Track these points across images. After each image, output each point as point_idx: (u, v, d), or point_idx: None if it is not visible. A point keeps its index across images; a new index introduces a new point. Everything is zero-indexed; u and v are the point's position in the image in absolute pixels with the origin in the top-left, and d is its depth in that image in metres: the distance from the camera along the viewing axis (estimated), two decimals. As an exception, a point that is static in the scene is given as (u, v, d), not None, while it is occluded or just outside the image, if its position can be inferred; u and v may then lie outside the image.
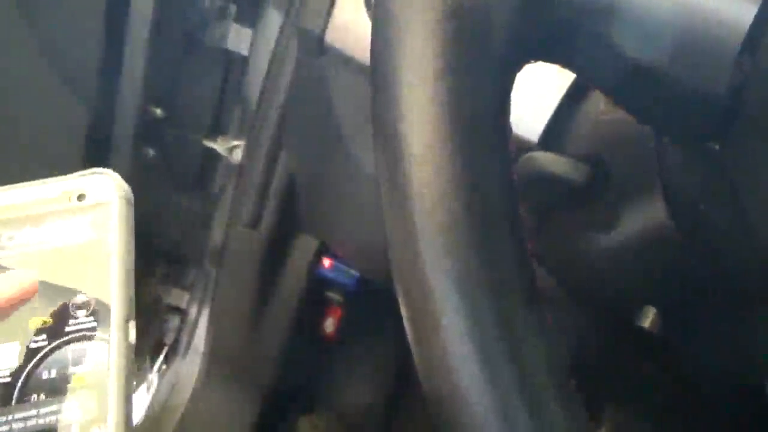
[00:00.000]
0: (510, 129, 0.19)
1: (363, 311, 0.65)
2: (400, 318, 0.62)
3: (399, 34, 0.18)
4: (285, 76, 0.50)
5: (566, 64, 0.21)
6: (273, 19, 0.56)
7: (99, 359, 0.21)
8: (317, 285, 0.60)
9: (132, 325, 0.21)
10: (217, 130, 0.60)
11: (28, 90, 0.54)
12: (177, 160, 0.58)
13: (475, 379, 0.17)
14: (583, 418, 0.18)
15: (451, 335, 0.17)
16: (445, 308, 0.17)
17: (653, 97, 0.19)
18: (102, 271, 0.22)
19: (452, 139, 0.18)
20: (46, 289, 0.21)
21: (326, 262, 0.59)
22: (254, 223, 0.56)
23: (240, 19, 0.58)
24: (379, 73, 0.20)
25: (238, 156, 0.60)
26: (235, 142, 0.60)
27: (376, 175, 0.20)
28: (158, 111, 0.56)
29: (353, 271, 0.60)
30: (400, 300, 0.19)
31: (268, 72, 0.52)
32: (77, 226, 0.22)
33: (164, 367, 0.69)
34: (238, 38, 0.57)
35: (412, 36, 0.18)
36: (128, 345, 0.21)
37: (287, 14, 0.51)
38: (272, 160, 0.54)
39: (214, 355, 0.63)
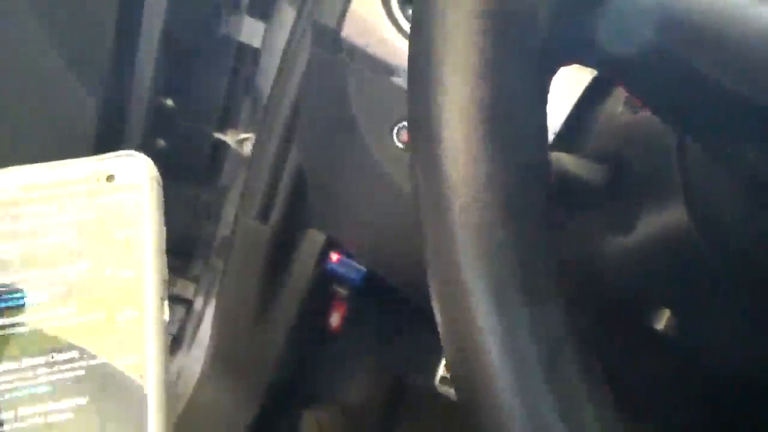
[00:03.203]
0: (547, 130, 0.19)
1: (368, 306, 0.65)
2: (405, 314, 0.61)
3: (440, 33, 0.18)
4: (297, 69, 0.50)
5: (604, 69, 0.20)
6: (286, 13, 0.56)
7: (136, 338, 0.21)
8: (324, 279, 0.60)
9: (166, 304, 0.22)
10: (227, 122, 0.60)
11: (40, 80, 0.54)
12: (187, 152, 0.58)
13: (509, 383, 0.17)
14: (615, 422, 0.18)
15: (486, 336, 0.17)
16: (480, 309, 0.17)
17: (695, 104, 0.19)
18: (134, 252, 0.22)
19: (491, 138, 0.18)
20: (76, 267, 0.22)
21: (334, 256, 0.59)
22: (263, 217, 0.56)
23: (253, 11, 0.58)
24: (417, 71, 0.20)
25: (247, 149, 0.60)
26: (245, 135, 0.60)
27: (410, 173, 0.20)
28: (169, 102, 0.56)
29: (360, 266, 0.60)
30: (434, 299, 0.19)
31: (281, 65, 0.52)
32: (106, 207, 0.22)
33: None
34: (250, 31, 0.57)
35: (452, 34, 0.18)
36: (163, 323, 0.21)
37: (301, 8, 0.50)
38: (282, 153, 0.54)
39: (218, 347, 0.64)
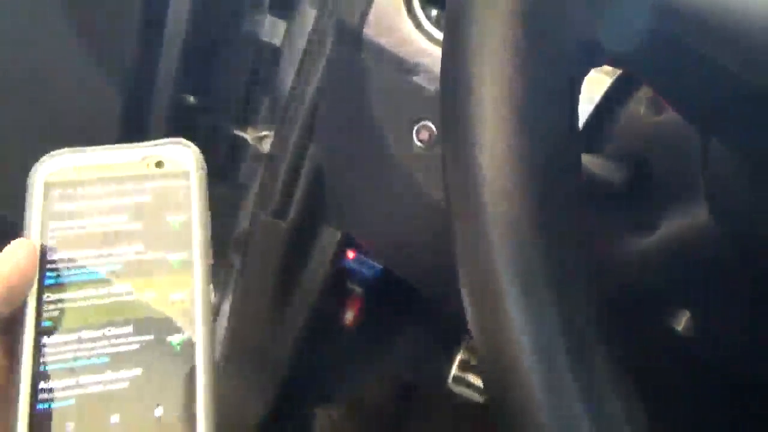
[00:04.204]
0: (578, 127, 0.19)
1: (383, 304, 0.65)
2: (419, 312, 0.61)
3: (474, 31, 0.18)
4: (318, 67, 0.50)
5: (635, 69, 0.21)
6: (307, 11, 0.56)
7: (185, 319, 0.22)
8: (339, 276, 0.60)
9: (212, 288, 0.22)
10: (247, 119, 0.61)
11: (65, 75, 0.55)
12: (207, 148, 0.59)
13: (537, 375, 0.17)
14: (641, 416, 0.18)
15: (515, 328, 0.17)
16: (509, 301, 0.17)
17: (713, 98, 0.19)
18: (183, 236, 0.23)
19: (523, 133, 0.18)
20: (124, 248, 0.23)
21: (350, 253, 0.59)
22: (280, 213, 0.56)
23: (274, 10, 0.58)
24: (451, 67, 0.20)
25: (266, 146, 0.60)
26: (265, 132, 0.61)
27: (441, 166, 0.20)
28: (191, 99, 0.57)
29: (376, 264, 0.60)
30: (463, 289, 0.19)
31: (301, 63, 0.52)
32: (156, 191, 0.23)
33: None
34: (271, 29, 0.58)
35: (486, 33, 0.18)
36: (210, 303, 0.22)
37: (322, 6, 0.51)
38: (301, 151, 0.54)
39: (234, 342, 0.64)
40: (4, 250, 0.22)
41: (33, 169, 0.23)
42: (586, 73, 0.20)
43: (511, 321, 0.17)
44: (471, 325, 0.19)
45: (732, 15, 0.17)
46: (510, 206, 0.17)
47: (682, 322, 0.27)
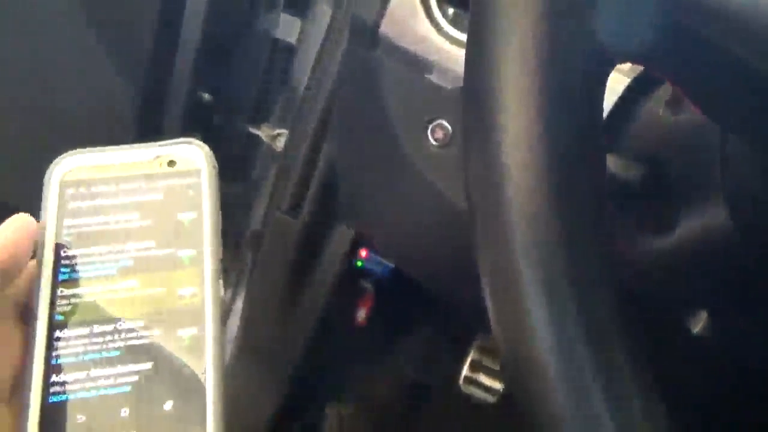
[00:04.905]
0: (602, 124, 0.19)
1: (394, 303, 0.65)
2: (431, 312, 0.61)
3: (500, 25, 0.18)
4: (333, 66, 0.50)
5: (656, 66, 0.21)
6: (322, 10, 0.57)
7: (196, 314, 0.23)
8: (351, 274, 0.60)
9: (221, 283, 0.23)
10: (261, 117, 0.61)
11: (83, 72, 0.56)
12: (221, 145, 0.59)
13: (559, 372, 0.17)
14: (662, 416, 0.18)
15: (537, 324, 0.17)
16: (531, 297, 0.17)
17: (745, 100, 0.19)
18: (193, 233, 0.23)
19: (548, 129, 0.18)
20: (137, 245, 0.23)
21: (362, 252, 0.59)
22: (294, 211, 0.57)
23: (289, 8, 0.58)
24: (476, 61, 0.20)
25: (280, 144, 0.60)
26: (279, 131, 0.61)
27: (463, 160, 0.20)
28: (206, 96, 0.57)
29: (388, 263, 0.60)
30: (484, 284, 0.19)
31: (316, 61, 0.52)
32: (168, 189, 0.24)
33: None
34: (286, 27, 0.58)
35: (512, 30, 0.18)
36: (220, 299, 0.23)
37: (338, 4, 0.51)
38: (315, 149, 0.54)
39: (245, 338, 0.64)
40: None
41: (49, 169, 0.24)
42: (610, 69, 0.20)
43: (534, 320, 0.17)
44: (492, 324, 0.19)
45: (753, 8, 0.17)
46: (534, 204, 0.17)
47: (699, 322, 0.27)
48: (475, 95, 0.19)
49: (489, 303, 0.19)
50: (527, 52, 0.18)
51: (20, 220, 0.22)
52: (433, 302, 0.59)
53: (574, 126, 0.18)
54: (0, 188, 0.56)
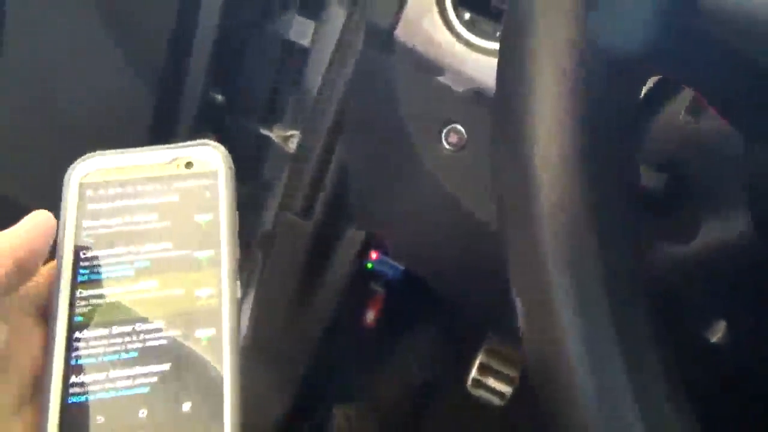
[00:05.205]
0: (637, 137, 0.19)
1: (404, 305, 0.65)
2: (440, 315, 0.61)
3: (533, 34, 0.18)
4: (347, 69, 0.50)
5: (680, 75, 0.20)
6: (335, 12, 0.57)
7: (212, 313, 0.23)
8: (361, 276, 0.60)
9: (238, 284, 0.23)
10: (273, 118, 0.61)
11: (97, 73, 0.56)
12: (233, 146, 0.59)
13: (592, 388, 0.17)
14: (694, 424, 0.18)
15: (571, 339, 0.17)
16: (565, 313, 0.17)
17: (752, 98, 0.19)
18: (211, 234, 0.23)
19: (581, 141, 0.18)
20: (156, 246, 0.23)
21: (372, 254, 0.60)
22: (305, 212, 0.57)
23: (303, 10, 0.58)
24: (507, 77, 0.20)
25: (292, 145, 0.60)
26: (291, 132, 0.61)
27: (492, 174, 0.20)
28: (219, 97, 0.57)
29: (398, 265, 0.60)
30: (517, 299, 0.19)
31: (330, 64, 0.52)
32: (185, 191, 0.24)
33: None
34: (300, 29, 0.58)
35: (546, 35, 0.18)
36: (237, 299, 0.23)
37: (352, 7, 0.51)
38: (327, 151, 0.54)
39: (255, 338, 0.65)
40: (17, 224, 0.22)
41: (68, 171, 0.24)
42: (644, 79, 0.20)
43: (567, 329, 0.17)
44: (524, 334, 0.19)
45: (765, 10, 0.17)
46: (566, 213, 0.17)
47: (718, 332, 0.27)
48: (507, 107, 0.19)
49: (522, 317, 0.19)
50: (560, 57, 0.18)
51: (38, 216, 0.22)
52: (442, 304, 0.59)
53: (609, 134, 0.18)
54: (15, 188, 0.56)
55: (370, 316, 0.65)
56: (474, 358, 0.61)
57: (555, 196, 0.18)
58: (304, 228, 0.57)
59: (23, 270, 0.21)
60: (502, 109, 0.20)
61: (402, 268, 0.61)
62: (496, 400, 0.61)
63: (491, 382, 0.61)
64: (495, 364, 0.61)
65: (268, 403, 0.65)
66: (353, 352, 0.67)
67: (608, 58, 0.18)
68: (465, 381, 0.60)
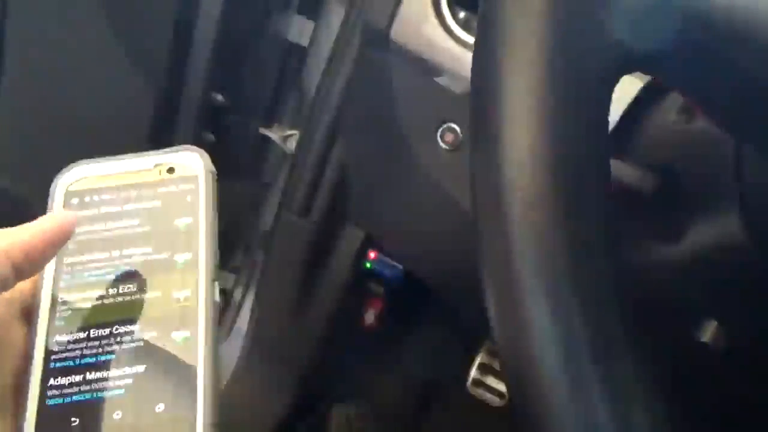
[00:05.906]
0: (608, 133, 0.19)
1: (403, 305, 0.65)
2: (439, 315, 0.61)
3: (506, 41, 0.18)
4: (345, 68, 0.51)
5: (666, 76, 0.20)
6: (335, 12, 0.57)
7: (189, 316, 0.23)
8: (361, 276, 0.61)
9: (217, 285, 0.23)
10: (273, 118, 0.61)
11: (98, 74, 0.57)
12: (234, 146, 0.60)
13: (563, 383, 0.17)
14: (668, 427, 0.18)
15: (540, 334, 0.17)
16: (535, 309, 0.17)
17: (758, 111, 0.19)
18: (190, 238, 0.23)
19: (552, 139, 0.18)
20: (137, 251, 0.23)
21: (371, 254, 0.60)
22: (305, 212, 0.57)
23: (302, 10, 0.58)
24: (481, 72, 0.20)
25: (292, 145, 0.61)
26: (290, 132, 0.61)
27: (470, 169, 0.20)
28: (219, 98, 0.57)
29: (397, 265, 0.60)
30: (488, 294, 0.19)
31: (328, 64, 0.52)
32: (167, 196, 0.24)
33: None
34: (299, 30, 0.58)
35: (518, 42, 0.18)
36: (215, 303, 0.23)
37: (350, 8, 0.51)
38: (326, 151, 0.54)
39: (256, 339, 0.65)
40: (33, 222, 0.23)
41: (54, 179, 0.24)
42: (616, 77, 0.20)
43: (537, 328, 0.17)
44: (495, 332, 0.19)
45: (761, 21, 0.17)
46: (538, 213, 0.17)
47: (709, 332, 0.27)
48: (480, 103, 0.19)
49: (491, 312, 0.19)
50: (534, 59, 0.18)
51: (46, 222, 0.23)
52: (442, 304, 0.59)
53: (580, 133, 0.18)
54: (20, 188, 0.56)
55: (370, 316, 0.65)
56: (474, 358, 0.61)
57: (527, 196, 0.18)
58: (303, 227, 0.57)
59: (18, 272, 0.22)
60: (475, 105, 0.20)
61: (401, 267, 0.61)
62: (496, 400, 0.61)
63: (491, 381, 0.61)
64: (495, 364, 0.61)
65: (268, 402, 0.65)
66: (353, 352, 0.67)
67: (584, 60, 0.18)
68: (465, 381, 0.60)
